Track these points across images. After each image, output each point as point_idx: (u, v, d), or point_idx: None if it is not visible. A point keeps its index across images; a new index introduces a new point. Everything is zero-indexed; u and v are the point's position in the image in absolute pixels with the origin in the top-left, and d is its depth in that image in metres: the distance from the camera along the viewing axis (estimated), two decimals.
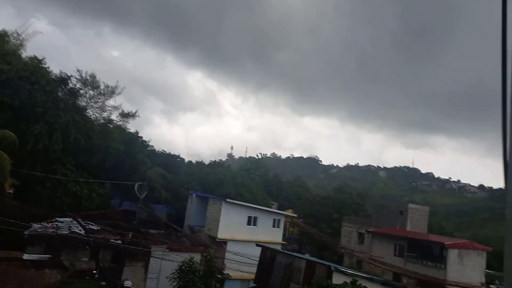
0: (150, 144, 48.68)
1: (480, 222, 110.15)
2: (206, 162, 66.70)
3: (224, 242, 31.84)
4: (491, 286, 31.29)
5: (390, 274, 32.10)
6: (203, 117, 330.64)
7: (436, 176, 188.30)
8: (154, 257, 25.76)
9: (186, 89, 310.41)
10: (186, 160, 66.79)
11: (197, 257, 25.70)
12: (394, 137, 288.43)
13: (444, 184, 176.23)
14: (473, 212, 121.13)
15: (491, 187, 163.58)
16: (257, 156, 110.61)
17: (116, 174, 35.60)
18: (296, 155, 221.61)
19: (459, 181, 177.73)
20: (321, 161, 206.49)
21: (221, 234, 32.10)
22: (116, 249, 24.85)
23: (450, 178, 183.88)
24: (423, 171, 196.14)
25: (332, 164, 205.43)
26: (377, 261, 34.09)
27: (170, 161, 52.94)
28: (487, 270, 33.09)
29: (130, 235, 26.64)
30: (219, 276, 28.28)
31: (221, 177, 49.23)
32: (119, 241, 25.58)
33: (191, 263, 23.82)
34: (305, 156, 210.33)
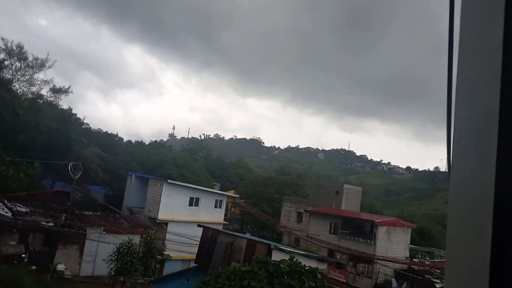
0: (85, 122, 45.96)
1: (406, 201, 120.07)
2: (147, 142, 64.68)
3: (165, 223, 31.44)
4: (414, 259, 34.45)
5: (325, 250, 34.02)
6: (143, 95, 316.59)
7: (369, 158, 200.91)
8: (90, 239, 24.76)
9: (124, 64, 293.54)
10: (125, 139, 64.19)
11: (136, 239, 25.15)
12: (332, 120, 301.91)
13: (376, 166, 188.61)
14: (400, 192, 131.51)
15: (416, 169, 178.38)
16: (200, 137, 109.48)
17: (47, 154, 33.27)
18: (239, 136, 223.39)
19: (389, 163, 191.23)
20: (263, 142, 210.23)
21: (162, 215, 31.62)
22: (48, 232, 23.46)
23: (381, 160, 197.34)
24: (358, 153, 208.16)
25: (274, 146, 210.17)
26: (314, 238, 35.90)
27: (107, 140, 50.51)
28: (411, 245, 36.33)
29: (63, 217, 25.26)
30: (159, 257, 27.98)
31: (162, 157, 48.08)
32: (51, 224, 24.16)
33: (129, 245, 23.27)
34: (248, 138, 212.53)
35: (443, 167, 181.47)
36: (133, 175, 38.32)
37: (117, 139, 58.32)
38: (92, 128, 49.17)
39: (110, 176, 40.29)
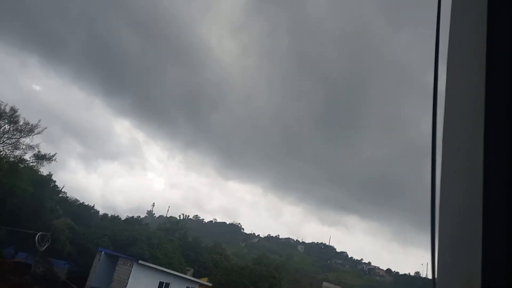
0: (62, 190, 44.81)
1: None
2: (123, 217, 62.49)
3: None
4: None
5: None
6: (125, 169, 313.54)
7: (349, 256, 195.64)
8: None
9: (111, 136, 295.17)
10: (101, 212, 62.09)
11: None
12: (312, 212, 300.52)
13: (356, 265, 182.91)
14: None
15: (397, 272, 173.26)
16: (179, 216, 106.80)
17: (16, 219, 31.69)
18: (219, 219, 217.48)
19: (369, 263, 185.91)
20: (243, 228, 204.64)
21: None
22: None
23: (361, 259, 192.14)
24: (338, 249, 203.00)
25: (254, 233, 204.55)
26: None
27: (82, 211, 48.81)
28: None
29: None
30: None
31: (136, 235, 46.07)
32: None
33: None
34: (227, 222, 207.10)
35: (424, 272, 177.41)
36: (102, 252, 36.25)
37: (92, 211, 56.48)
38: (69, 198, 47.85)
39: (78, 250, 38.06)
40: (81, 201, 53.21)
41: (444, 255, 0.82)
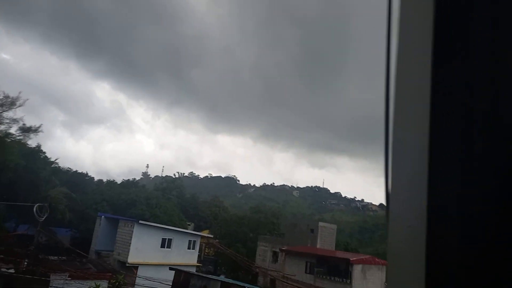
0: (54, 161, 44.63)
1: (379, 238, 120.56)
2: (119, 181, 63.06)
3: (135, 267, 30.11)
4: None
5: None
6: (113, 132, 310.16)
7: (343, 195, 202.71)
8: (53, 286, 23.30)
9: (92, 100, 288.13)
10: (96, 178, 62.48)
11: (104, 285, 23.89)
12: (302, 156, 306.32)
13: (350, 203, 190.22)
14: (374, 229, 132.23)
15: None
16: (174, 175, 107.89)
17: (13, 193, 31.85)
18: (214, 174, 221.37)
19: (362, 200, 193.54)
20: (238, 180, 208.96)
21: (132, 259, 30.33)
22: (8, 279, 21.98)
23: (355, 197, 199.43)
24: (332, 191, 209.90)
25: (249, 184, 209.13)
26: (289, 279, 35.18)
27: (76, 179, 49.05)
28: (385, 283, 36.19)
29: (25, 263, 23.84)
30: None
31: (134, 197, 46.85)
32: (12, 270, 22.70)
33: None
34: (223, 176, 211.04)
35: None
36: (102, 216, 37.00)
37: (87, 178, 56.78)
38: (61, 167, 47.79)
39: (78, 217, 38.77)
40: (74, 170, 53.30)
41: (398, 187, 0.85)
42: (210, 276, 26.14)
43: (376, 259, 35.92)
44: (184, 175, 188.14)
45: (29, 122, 39.12)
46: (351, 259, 32.51)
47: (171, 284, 24.49)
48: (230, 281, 24.86)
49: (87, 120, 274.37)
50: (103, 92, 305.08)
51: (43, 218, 26.46)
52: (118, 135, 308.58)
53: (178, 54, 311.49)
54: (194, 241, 35.51)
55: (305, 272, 35.37)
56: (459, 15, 0.75)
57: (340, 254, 36.97)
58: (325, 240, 41.77)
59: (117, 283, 24.15)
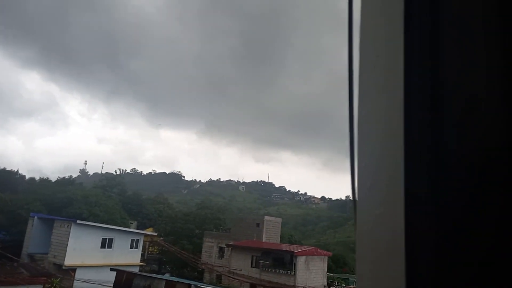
0: None
1: (321, 230, 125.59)
2: (53, 179, 59.03)
3: (72, 270, 28.45)
4: (331, 287, 35.79)
5: (247, 285, 33.69)
6: (44, 127, 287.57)
7: (287, 189, 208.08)
8: None
9: (20, 91, 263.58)
10: (27, 177, 57.98)
11: None
12: (246, 151, 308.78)
13: (294, 197, 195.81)
14: (316, 221, 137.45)
15: (330, 198, 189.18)
16: (115, 172, 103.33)
17: None
18: (158, 170, 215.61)
19: (305, 193, 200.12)
20: (184, 176, 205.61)
21: (69, 261, 28.63)
22: None
23: (298, 191, 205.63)
24: (277, 185, 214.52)
25: (195, 180, 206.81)
26: (236, 273, 35.41)
27: (4, 178, 45.12)
28: (328, 273, 37.80)
29: None
30: None
31: (71, 195, 44.14)
32: None
33: None
34: (167, 172, 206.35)
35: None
36: (35, 217, 34.45)
37: (17, 176, 52.51)
38: None
39: (8, 219, 35.81)
40: (2, 167, 48.98)
41: (364, 177, 0.81)
42: (154, 275, 25.51)
43: (319, 250, 37.37)
44: (126, 171, 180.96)
45: None
46: (295, 251, 33.49)
47: (112, 285, 23.54)
48: (175, 279, 24.45)
49: (14, 113, 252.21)
50: (33, 82, 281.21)
51: None
52: (51, 130, 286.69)
53: (116, 43, 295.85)
54: (137, 240, 34.36)
55: (251, 266, 35.82)
56: (428, 6, 0.71)
57: (285, 247, 37.93)
58: (271, 233, 42.59)
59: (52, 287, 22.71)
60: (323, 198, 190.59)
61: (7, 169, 49.64)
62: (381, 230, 0.71)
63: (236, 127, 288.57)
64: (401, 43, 0.71)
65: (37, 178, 58.06)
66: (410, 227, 0.62)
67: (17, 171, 53.34)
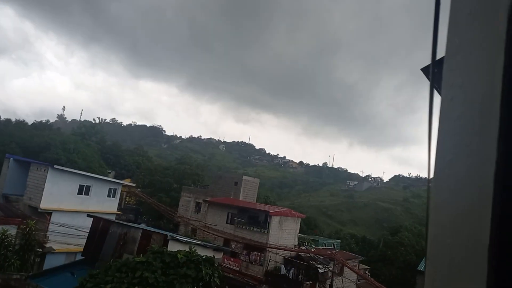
0: None
1: (296, 193, 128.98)
2: (30, 122, 57.57)
3: (48, 213, 28.54)
4: (301, 247, 37.35)
5: (221, 240, 34.75)
6: (19, 66, 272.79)
7: (267, 152, 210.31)
8: None
9: None
10: (2, 118, 56.24)
11: (12, 230, 22.45)
12: (228, 109, 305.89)
13: (273, 160, 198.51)
14: (292, 184, 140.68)
15: (308, 164, 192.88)
16: (94, 120, 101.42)
17: None
18: (139, 123, 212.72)
19: (284, 157, 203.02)
20: (164, 131, 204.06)
21: (45, 204, 28.62)
22: None
23: (278, 154, 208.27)
24: (257, 147, 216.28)
25: (176, 135, 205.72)
26: (211, 228, 36.39)
27: None
28: (299, 234, 39.29)
29: None
30: (40, 250, 25.39)
31: (48, 140, 43.41)
32: None
33: (3, 237, 20.69)
34: (148, 125, 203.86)
35: (331, 163, 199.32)
36: (11, 158, 33.88)
37: None
38: None
39: None
40: None
41: (443, 156, 0.71)
42: (130, 224, 25.90)
43: (293, 212, 38.54)
44: (106, 121, 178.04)
45: None
46: (270, 211, 34.44)
47: (88, 231, 23.84)
48: (152, 229, 24.94)
49: None
50: (6, 18, 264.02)
51: None
52: (26, 70, 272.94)
53: None
54: (115, 189, 34.47)
55: (226, 223, 36.78)
56: None
57: (260, 207, 38.92)
58: (248, 193, 43.47)
59: (27, 229, 22.83)
60: (301, 163, 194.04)
61: None
62: (462, 222, 0.61)
63: (218, 83, 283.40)
64: None
65: (12, 120, 56.49)
66: (497, 222, 0.52)
67: None
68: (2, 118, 56.59)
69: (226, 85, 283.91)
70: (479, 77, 0.62)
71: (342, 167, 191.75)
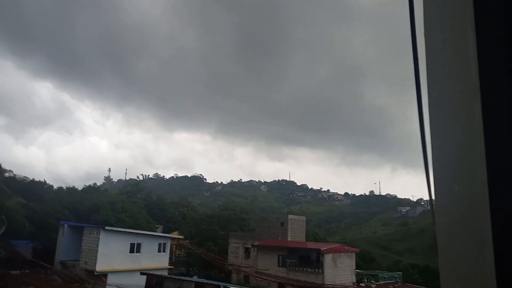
0: (7, 170, 41.99)
1: (346, 226, 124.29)
2: (79, 187, 60.59)
3: (104, 275, 29.05)
4: (361, 284, 35.28)
5: (275, 285, 33.61)
6: (62, 135, 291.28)
7: (309, 187, 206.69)
8: None
9: (34, 101, 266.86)
10: (55, 186, 59.61)
11: None
12: (261, 149, 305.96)
13: (317, 194, 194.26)
14: (340, 218, 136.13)
15: (354, 194, 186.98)
16: (138, 177, 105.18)
17: None
18: (179, 174, 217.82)
19: (328, 190, 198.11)
20: (205, 179, 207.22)
21: (100, 266, 29.24)
22: None
23: (321, 188, 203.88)
24: (299, 183, 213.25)
25: (217, 182, 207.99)
26: (263, 273, 35.40)
27: (34, 188, 46.45)
28: (356, 270, 37.30)
29: None
30: None
31: (97, 202, 45.09)
32: None
33: None
34: (189, 175, 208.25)
35: (377, 190, 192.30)
36: (65, 225, 35.36)
37: (46, 186, 54.03)
38: (16, 176, 45.03)
39: (39, 228, 36.81)
40: (30, 178, 50.52)
41: (440, 175, 0.75)
42: (183, 277, 25.77)
43: (345, 247, 36.92)
44: (149, 177, 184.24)
45: None
46: (321, 249, 33.18)
47: None
48: (204, 281, 24.64)
49: (31, 123, 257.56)
50: (46, 91, 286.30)
51: (1, 231, 24.90)
52: (69, 137, 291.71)
53: (120, 46, 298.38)
54: (164, 244, 34.80)
55: (278, 266, 35.72)
56: None
57: (311, 245, 37.66)
58: (295, 232, 42.36)
59: None
60: (346, 194, 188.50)
61: (36, 179, 51.13)
62: (465, 230, 0.66)
63: (247, 125, 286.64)
64: (472, 23, 0.64)
65: (59, 186, 59.76)
66: (497, 226, 0.58)
67: (45, 181, 54.93)
68: (53, 185, 59.93)
69: (255, 125, 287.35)
70: (463, 138, 0.67)
71: (391, 194, 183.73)
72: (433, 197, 0.77)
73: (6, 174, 41.01)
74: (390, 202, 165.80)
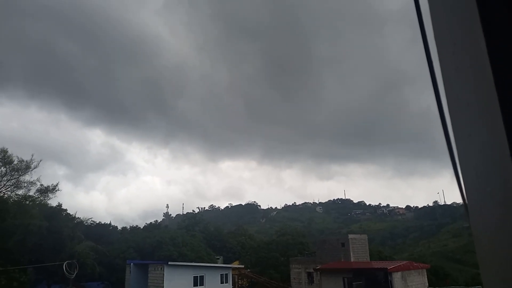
0: (75, 216, 44.97)
1: (412, 241, 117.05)
2: (141, 226, 63.20)
3: None
4: None
5: None
6: (118, 177, 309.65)
7: (367, 203, 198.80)
8: None
9: (88, 148, 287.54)
10: (120, 227, 62.71)
11: None
12: (308, 169, 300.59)
13: (376, 210, 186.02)
14: (405, 233, 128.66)
15: (416, 207, 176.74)
16: (194, 211, 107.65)
17: (39, 255, 31.94)
18: (234, 203, 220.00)
19: (388, 205, 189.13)
20: (259, 206, 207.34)
21: None
22: None
23: (380, 203, 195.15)
24: (355, 201, 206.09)
25: (271, 207, 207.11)
26: None
27: (100, 231, 49.20)
28: (429, 287, 34.76)
29: None
30: None
31: (159, 239, 46.63)
32: None
33: None
34: (243, 204, 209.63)
35: (442, 200, 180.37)
36: (131, 264, 36.75)
37: (110, 227, 57.00)
38: (84, 221, 48.06)
39: (107, 269, 38.62)
40: (97, 222, 53.63)
41: (470, 178, 0.76)
42: None
43: (414, 264, 34.69)
44: (205, 209, 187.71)
45: (28, 179, 38.91)
46: (388, 267, 31.44)
47: None
48: None
49: (88, 169, 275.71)
50: (97, 138, 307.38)
51: (74, 275, 26.41)
52: (124, 179, 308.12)
53: (161, 88, 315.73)
54: (226, 274, 34.88)
55: None
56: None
57: (376, 264, 35.83)
58: (358, 252, 40.62)
59: None
60: (408, 207, 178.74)
61: (102, 222, 54.22)
62: (503, 232, 0.66)
63: (289, 146, 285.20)
64: (478, 23, 0.66)
65: (123, 226, 62.71)
66: None
67: (110, 223, 58.07)
68: (117, 226, 63.04)
69: (298, 147, 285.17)
70: (487, 138, 0.68)
71: (457, 202, 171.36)
72: (466, 200, 0.81)
73: (75, 221, 43.89)
74: (458, 211, 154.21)
